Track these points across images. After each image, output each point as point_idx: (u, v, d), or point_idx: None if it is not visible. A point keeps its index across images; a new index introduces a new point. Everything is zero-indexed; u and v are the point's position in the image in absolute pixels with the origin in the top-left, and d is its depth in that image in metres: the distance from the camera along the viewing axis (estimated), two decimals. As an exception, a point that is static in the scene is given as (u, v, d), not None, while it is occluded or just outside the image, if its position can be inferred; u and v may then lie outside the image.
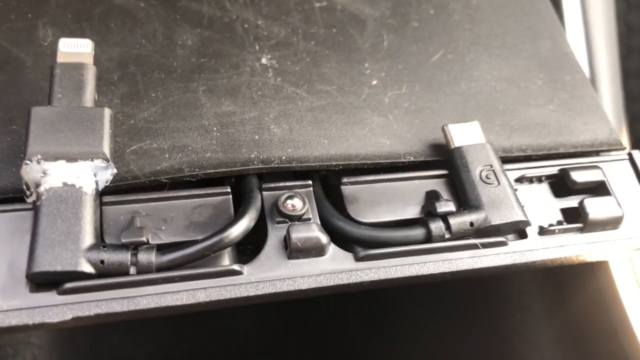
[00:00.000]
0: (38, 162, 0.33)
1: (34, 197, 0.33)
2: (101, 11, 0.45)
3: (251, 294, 0.33)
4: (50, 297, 0.31)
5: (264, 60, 0.44)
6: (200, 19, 0.46)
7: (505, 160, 0.41)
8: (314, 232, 0.35)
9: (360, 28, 0.48)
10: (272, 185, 0.37)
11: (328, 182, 0.41)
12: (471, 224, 0.36)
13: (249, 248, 0.38)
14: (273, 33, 0.46)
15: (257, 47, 0.45)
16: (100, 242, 0.33)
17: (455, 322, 0.62)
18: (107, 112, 0.35)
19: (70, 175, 0.33)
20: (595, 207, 0.39)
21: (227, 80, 0.43)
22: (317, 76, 0.44)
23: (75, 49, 0.37)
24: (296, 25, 0.47)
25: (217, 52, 0.44)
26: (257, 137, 0.40)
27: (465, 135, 0.40)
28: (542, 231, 0.39)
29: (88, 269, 0.31)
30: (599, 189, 0.41)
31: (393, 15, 0.49)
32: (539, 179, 0.41)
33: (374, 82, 0.45)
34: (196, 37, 0.45)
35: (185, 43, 0.44)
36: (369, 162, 0.40)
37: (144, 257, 0.32)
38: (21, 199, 0.34)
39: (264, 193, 0.37)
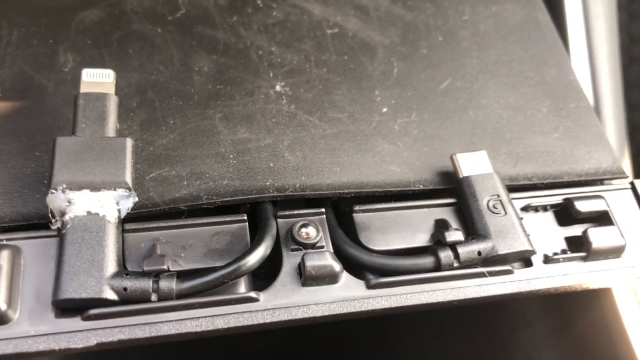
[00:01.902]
0: (63, 191, 0.34)
1: (58, 225, 0.34)
2: (119, 36, 0.47)
3: (267, 320, 0.34)
4: (75, 323, 0.33)
5: (278, 88, 0.46)
6: (215, 45, 0.47)
7: (511, 188, 0.43)
8: (328, 260, 0.36)
9: (371, 55, 0.49)
10: (287, 213, 0.39)
11: (339, 207, 0.42)
12: (479, 253, 0.38)
13: (262, 272, 0.39)
14: (286, 60, 0.48)
15: (271, 74, 0.46)
16: (122, 269, 0.34)
17: (459, 337, 0.63)
18: (129, 142, 0.36)
19: (95, 204, 0.34)
20: (598, 237, 0.40)
21: (242, 107, 0.44)
22: (329, 103, 0.45)
23: (98, 79, 0.38)
24: (309, 52, 0.49)
25: (233, 79, 0.46)
26: (272, 164, 0.41)
27: (473, 164, 0.41)
28: (547, 260, 0.40)
29: (111, 295, 0.33)
30: (602, 218, 0.42)
31: (402, 42, 0.51)
32: (544, 208, 0.42)
33: (384, 110, 0.46)
34: (212, 63, 0.46)
35: (201, 69, 0.46)
36: (380, 190, 0.41)
37: (165, 284, 0.33)
38: (45, 225, 0.36)
39: (279, 220, 0.38)
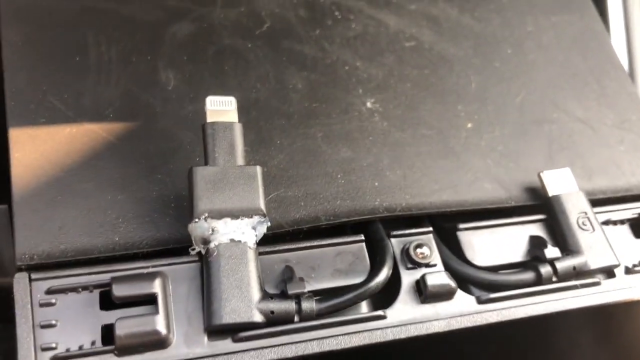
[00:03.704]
0: (205, 220, 0.37)
1: (202, 251, 0.37)
2: (213, 52, 0.48)
3: (396, 337, 0.38)
4: (227, 345, 0.35)
5: (369, 104, 0.48)
6: (304, 61, 0.49)
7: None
8: (446, 279, 0.39)
9: (449, 69, 0.52)
10: (400, 232, 0.42)
11: (434, 223, 0.45)
12: (574, 268, 0.42)
13: None
14: (372, 75, 0.50)
15: (360, 91, 0.49)
16: (266, 293, 0.37)
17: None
18: (259, 170, 0.39)
19: (236, 231, 0.37)
20: (673, 248, 0.45)
21: (340, 126, 0.46)
22: (418, 119, 0.48)
23: (221, 107, 0.40)
24: (391, 66, 0.51)
25: (326, 96, 0.48)
26: (376, 183, 0.44)
27: (559, 181, 0.45)
28: (628, 271, 0.44)
29: (260, 318, 0.36)
30: (676, 229, 0.46)
31: (475, 55, 0.53)
32: (622, 222, 0.46)
33: (469, 125, 0.49)
34: (304, 80, 0.48)
35: (295, 87, 0.48)
36: (478, 207, 0.44)
37: (306, 305, 0.36)
38: (182, 250, 0.38)
39: (392, 240, 0.41)
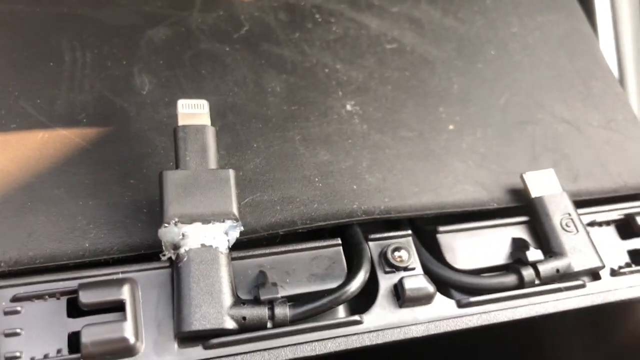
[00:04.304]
0: (176, 225, 0.36)
1: (172, 257, 0.36)
2: (190, 56, 0.47)
3: (373, 342, 0.37)
4: (198, 352, 0.35)
5: (348, 107, 0.47)
6: (283, 64, 0.49)
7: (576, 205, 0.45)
8: (424, 283, 0.38)
9: (431, 71, 0.51)
10: (377, 236, 0.41)
11: (415, 226, 0.44)
12: (557, 270, 0.41)
13: None
14: (352, 78, 0.49)
15: (340, 93, 0.48)
16: (238, 298, 0.36)
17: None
18: (232, 174, 0.38)
19: (207, 236, 0.36)
20: (660, 250, 0.43)
21: (319, 129, 0.45)
22: (399, 122, 0.47)
23: (193, 110, 0.39)
24: (372, 68, 0.50)
25: (305, 99, 0.47)
26: (355, 186, 0.43)
27: (542, 183, 0.44)
28: (614, 273, 0.43)
29: (232, 325, 0.35)
30: (661, 231, 0.45)
31: (459, 56, 0.53)
32: (607, 223, 0.45)
33: (451, 127, 0.48)
34: (283, 83, 0.48)
35: (274, 90, 0.47)
36: (459, 209, 0.43)
37: (280, 311, 0.35)
38: (152, 256, 0.37)
39: (370, 244, 0.41)
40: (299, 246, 0.39)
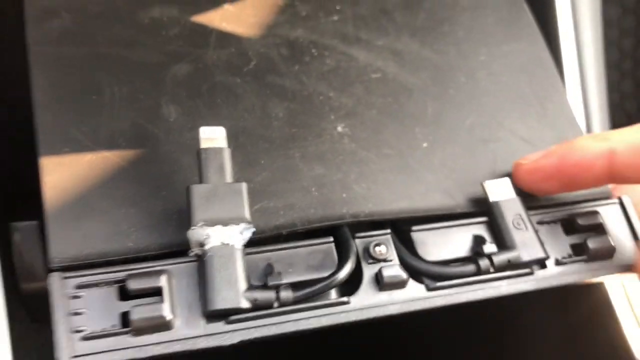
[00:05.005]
0: (201, 227, 0.45)
1: (198, 253, 0.46)
2: (207, 88, 0.57)
3: (358, 318, 0.46)
4: (220, 326, 0.44)
5: (339, 129, 0.57)
6: (285, 93, 0.58)
7: (528, 207, 0.55)
8: (399, 272, 0.48)
9: (409, 96, 0.61)
10: (362, 234, 0.50)
11: (395, 226, 0.54)
12: (508, 261, 0.50)
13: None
14: (343, 103, 0.59)
15: (333, 117, 0.58)
16: (251, 285, 0.45)
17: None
18: (244, 186, 0.47)
19: (225, 236, 0.45)
20: (595, 244, 0.53)
21: (315, 148, 0.55)
22: (381, 141, 0.57)
23: (213, 135, 0.49)
24: (360, 95, 0.60)
25: (303, 123, 0.56)
26: (344, 195, 0.52)
27: (499, 190, 0.53)
28: (558, 262, 0.52)
29: (246, 305, 0.44)
30: (598, 228, 0.55)
31: (433, 83, 0.62)
32: (554, 222, 0.55)
33: (425, 145, 0.58)
34: (285, 109, 0.57)
35: (277, 115, 0.57)
36: (430, 213, 0.53)
37: (284, 294, 0.45)
38: (181, 253, 0.47)
39: (356, 240, 0.50)
40: (299, 243, 0.49)
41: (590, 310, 0.64)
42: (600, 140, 0.51)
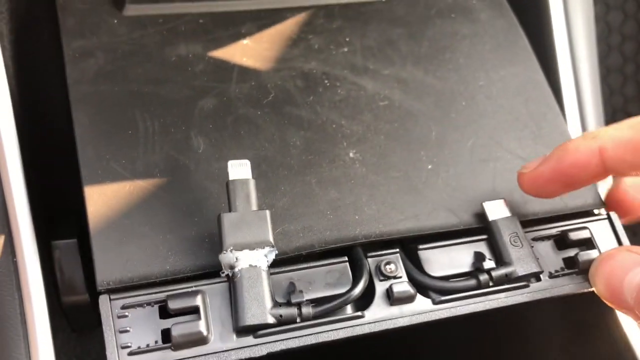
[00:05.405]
0: (231, 251, 0.51)
1: (229, 274, 0.51)
2: (231, 120, 0.63)
3: (372, 330, 0.52)
4: (249, 340, 0.50)
5: (351, 155, 0.63)
6: (301, 123, 0.64)
7: (523, 222, 0.60)
8: (408, 287, 0.54)
9: (414, 122, 0.66)
10: (374, 253, 0.56)
11: (403, 244, 0.59)
12: (506, 275, 0.56)
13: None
14: (353, 131, 0.64)
15: (345, 144, 0.63)
16: (276, 302, 0.51)
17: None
18: (268, 213, 0.53)
19: (253, 259, 0.51)
20: (586, 257, 0.58)
21: (329, 173, 0.61)
22: (390, 165, 0.62)
23: (239, 167, 0.55)
24: (369, 122, 0.65)
25: (318, 150, 0.62)
26: (357, 217, 0.58)
27: (497, 209, 0.59)
28: (551, 276, 0.58)
29: (272, 320, 0.50)
30: (588, 243, 0.60)
31: (436, 108, 0.68)
32: (548, 238, 0.60)
33: (430, 167, 0.63)
34: (301, 138, 0.63)
35: (295, 144, 0.62)
36: (434, 231, 0.58)
37: (305, 310, 0.51)
38: (214, 274, 0.52)
39: (369, 259, 0.56)
40: (317, 263, 0.55)
41: (594, 316, 0.69)
42: (590, 140, 0.55)
